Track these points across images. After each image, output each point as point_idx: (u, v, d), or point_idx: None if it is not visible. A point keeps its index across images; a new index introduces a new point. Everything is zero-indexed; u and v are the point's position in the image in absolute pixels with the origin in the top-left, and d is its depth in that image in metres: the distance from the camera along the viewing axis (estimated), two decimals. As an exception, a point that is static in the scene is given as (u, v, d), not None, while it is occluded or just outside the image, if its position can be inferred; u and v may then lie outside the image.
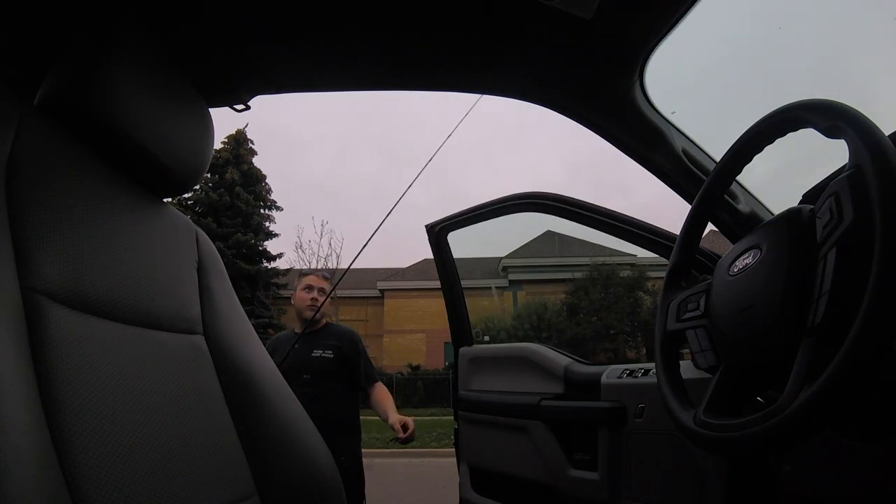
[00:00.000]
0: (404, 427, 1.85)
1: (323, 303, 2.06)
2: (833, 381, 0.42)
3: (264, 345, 1.53)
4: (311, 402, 1.61)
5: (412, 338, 16.26)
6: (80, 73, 0.60)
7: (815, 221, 0.52)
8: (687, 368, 0.72)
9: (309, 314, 2.00)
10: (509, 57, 0.89)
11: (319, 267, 13.97)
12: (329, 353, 1.97)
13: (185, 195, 12.95)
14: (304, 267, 14.05)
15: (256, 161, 14.94)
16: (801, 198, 0.71)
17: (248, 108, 0.97)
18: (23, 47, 0.74)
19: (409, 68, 0.95)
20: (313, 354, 1.96)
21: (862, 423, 0.59)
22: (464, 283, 1.68)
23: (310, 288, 2.07)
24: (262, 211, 14.88)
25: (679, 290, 0.72)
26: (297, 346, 1.91)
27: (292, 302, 2.12)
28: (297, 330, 2.05)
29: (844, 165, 0.50)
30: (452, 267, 1.66)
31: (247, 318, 0.83)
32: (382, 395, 2.03)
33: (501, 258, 16.13)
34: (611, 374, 1.18)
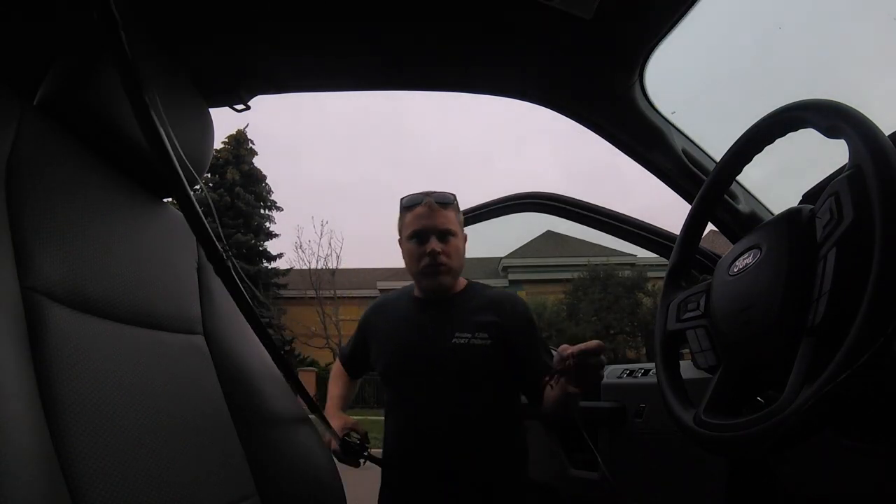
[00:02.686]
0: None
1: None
2: (833, 381, 0.42)
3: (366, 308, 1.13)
4: (451, 428, 1.02)
5: (412, 338, 16.15)
6: (80, 73, 0.60)
7: (815, 221, 0.52)
8: (687, 368, 0.72)
9: (428, 284, 1.10)
10: (509, 57, 0.89)
11: (320, 267, 13.39)
12: (483, 338, 1.05)
13: (186, 195, 12.90)
14: (304, 267, 13.49)
15: (256, 161, 14.93)
16: (801, 198, 0.72)
17: (248, 108, 0.98)
18: (23, 47, 0.74)
19: (409, 68, 0.95)
20: (455, 341, 1.05)
21: (862, 423, 0.59)
22: (464, 283, 1.67)
23: (422, 236, 1.08)
24: (262, 211, 14.85)
25: (679, 290, 0.72)
26: (417, 322, 1.10)
27: (403, 260, 1.15)
28: (417, 293, 1.15)
29: (844, 165, 0.50)
30: (452, 267, 1.65)
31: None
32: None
33: (501, 258, 16.11)
34: (611, 374, 1.18)
